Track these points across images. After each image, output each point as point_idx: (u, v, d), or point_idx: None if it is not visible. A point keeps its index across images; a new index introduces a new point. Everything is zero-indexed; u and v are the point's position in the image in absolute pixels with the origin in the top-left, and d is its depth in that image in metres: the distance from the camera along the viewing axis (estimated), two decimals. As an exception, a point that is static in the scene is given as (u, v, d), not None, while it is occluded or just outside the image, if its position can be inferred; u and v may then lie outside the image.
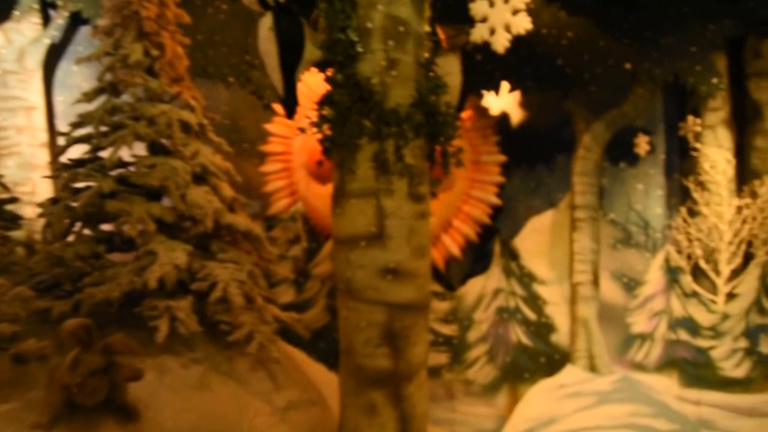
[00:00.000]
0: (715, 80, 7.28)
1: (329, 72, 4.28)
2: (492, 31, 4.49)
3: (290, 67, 4.22)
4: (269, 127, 7.47)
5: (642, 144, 7.44)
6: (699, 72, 7.25)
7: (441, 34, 4.73)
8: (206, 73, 6.92)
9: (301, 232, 7.54)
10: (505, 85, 7.31)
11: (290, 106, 4.35)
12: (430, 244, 4.73)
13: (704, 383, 7.11)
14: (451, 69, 4.82)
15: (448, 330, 7.69)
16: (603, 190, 7.77)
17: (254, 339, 4.72)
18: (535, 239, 7.91)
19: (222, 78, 7.10)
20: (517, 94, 7.67)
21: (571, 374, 7.37)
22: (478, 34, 4.51)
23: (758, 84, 7.62)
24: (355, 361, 4.48)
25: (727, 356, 7.10)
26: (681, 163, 7.65)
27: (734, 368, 7.08)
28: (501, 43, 4.51)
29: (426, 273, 4.63)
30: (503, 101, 7.79)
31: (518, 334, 7.67)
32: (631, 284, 7.46)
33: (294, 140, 7.46)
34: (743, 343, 7.06)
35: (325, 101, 4.29)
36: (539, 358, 7.61)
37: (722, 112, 7.53)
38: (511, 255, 7.87)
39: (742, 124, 7.72)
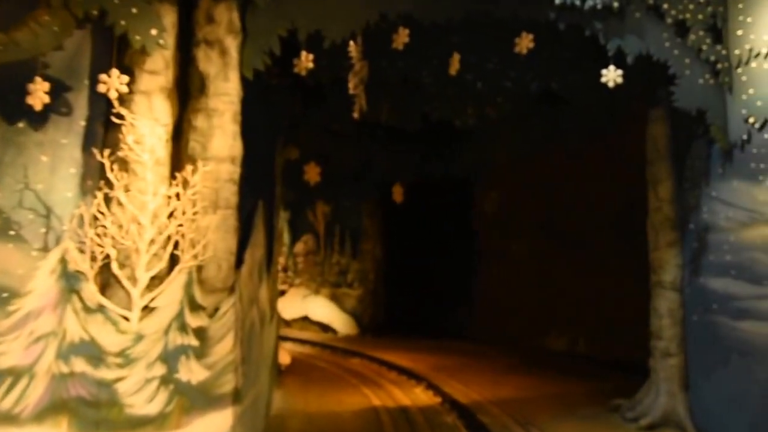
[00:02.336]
0: (154, 32, 5.95)
1: None
2: None
3: None
4: None
5: (38, 93, 5.38)
6: (135, 15, 5.82)
7: None
8: None
9: None
10: None
11: None
12: None
13: (106, 427, 5.58)
14: None
15: None
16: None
17: None
18: None
19: None
20: None
21: None
22: None
23: (207, 54, 6.57)
24: None
25: (138, 389, 5.64)
26: (105, 133, 6.09)
27: (146, 403, 5.70)
28: None
29: None
30: None
31: None
32: (2, 296, 5.30)
33: None
34: (159, 371, 5.77)
35: None
36: None
37: (162, 78, 6.16)
38: None
39: (185, 98, 6.67)
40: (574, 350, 14.80)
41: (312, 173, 12.09)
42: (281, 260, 23.44)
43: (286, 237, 24.48)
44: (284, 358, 11.58)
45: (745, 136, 7.18)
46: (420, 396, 10.66)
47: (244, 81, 6.78)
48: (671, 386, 8.14)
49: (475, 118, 10.93)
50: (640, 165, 9.51)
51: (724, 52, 7.30)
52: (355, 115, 8.25)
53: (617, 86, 9.38)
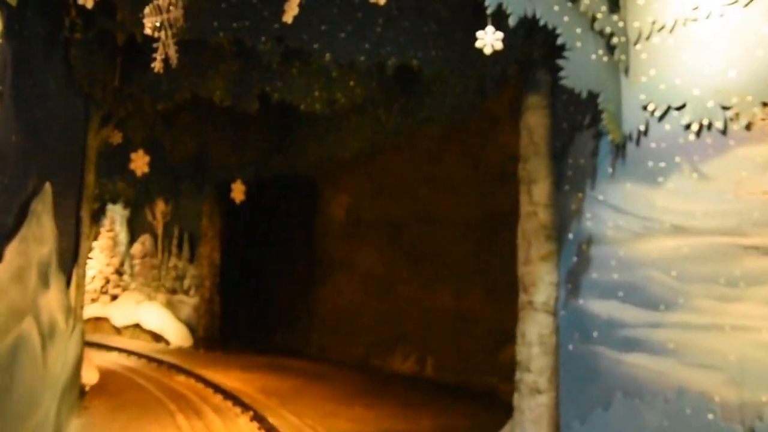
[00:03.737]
0: None
1: None
2: None
3: None
4: None
5: None
6: None
7: None
8: None
9: None
10: None
11: None
12: None
13: None
14: None
15: None
16: None
17: None
18: None
19: None
20: None
21: None
22: None
23: None
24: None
25: None
26: None
27: None
28: None
29: None
30: None
31: None
32: None
33: None
34: None
35: None
36: None
37: None
38: None
39: None
40: (422, 373, 13.49)
41: (139, 162, 10.25)
42: (113, 261, 21.05)
43: (123, 236, 22.33)
44: (90, 377, 9.89)
45: (642, 127, 5.99)
46: (242, 429, 9.13)
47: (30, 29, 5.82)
48: (539, 430, 6.86)
49: (322, 103, 9.23)
50: (507, 163, 8.35)
51: (621, 23, 6.15)
52: (156, 66, 6.27)
53: (490, 66, 8.03)
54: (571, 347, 6.67)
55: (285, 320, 18.34)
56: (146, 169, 9.93)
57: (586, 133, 6.84)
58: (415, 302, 14.11)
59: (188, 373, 12.65)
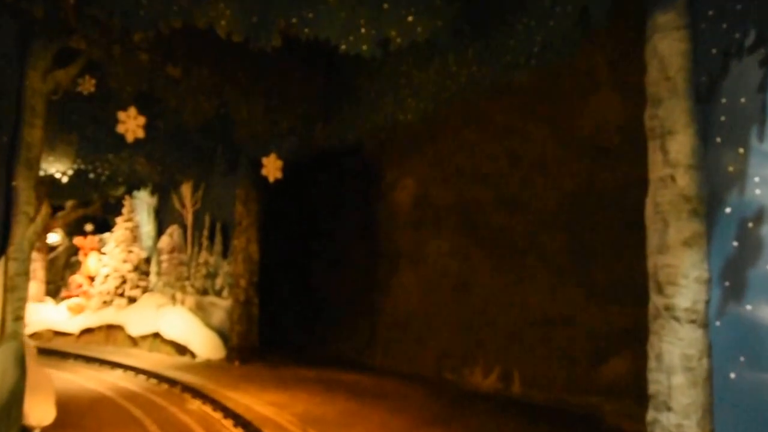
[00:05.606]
0: None
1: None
2: None
3: None
4: None
5: None
6: None
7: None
8: None
9: None
10: None
11: None
12: None
13: None
14: None
15: None
16: None
17: None
18: None
19: None
20: None
21: None
22: None
23: None
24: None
25: None
26: None
27: None
28: None
29: None
30: None
31: None
32: None
33: None
34: None
35: None
36: None
37: None
38: None
39: None
40: (507, 391, 11.56)
41: (130, 124, 7.83)
42: (131, 258, 19.32)
43: (150, 228, 20.46)
44: (40, 415, 7.30)
45: None
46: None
47: None
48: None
49: (370, 43, 7.31)
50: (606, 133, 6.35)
51: None
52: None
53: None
54: (732, 375, 4.71)
55: (340, 326, 16.45)
56: (140, 134, 7.78)
57: (749, 61, 4.86)
58: (497, 304, 12.19)
59: (205, 398, 10.29)
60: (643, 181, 5.37)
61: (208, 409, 9.57)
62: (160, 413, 9.20)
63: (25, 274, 7.26)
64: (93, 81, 8.05)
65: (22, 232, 7.05)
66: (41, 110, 7.18)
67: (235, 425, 8.60)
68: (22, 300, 7.21)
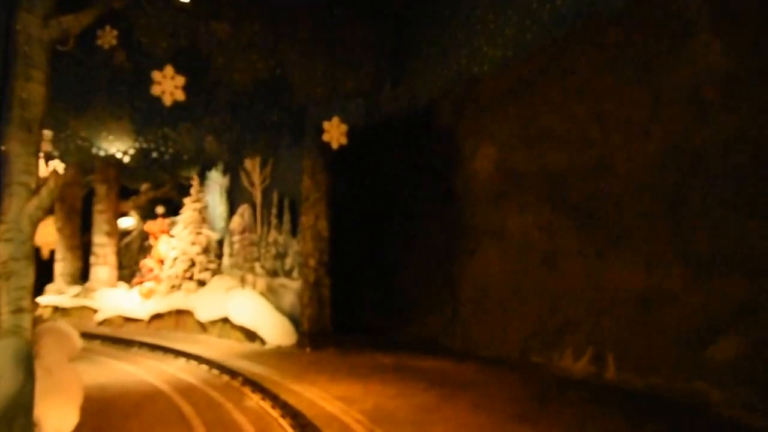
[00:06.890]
0: None
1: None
2: None
3: None
4: None
5: None
6: None
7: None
8: None
9: None
10: None
11: None
12: None
13: None
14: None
15: None
16: None
17: None
18: None
19: None
20: None
21: None
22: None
23: None
24: None
25: None
26: None
27: None
28: None
29: None
30: None
31: None
32: None
33: None
34: None
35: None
36: None
37: None
38: None
39: None
40: (601, 376, 10.71)
41: (167, 85, 7.06)
42: (200, 240, 19.41)
43: (222, 209, 20.59)
44: (58, 421, 6.37)
45: None
46: None
47: None
48: None
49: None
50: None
51: None
52: None
53: None
54: None
55: (419, 307, 15.68)
56: (179, 96, 7.04)
57: None
58: (588, 280, 11.27)
59: (265, 393, 9.60)
60: (748, 138, 4.50)
61: (266, 405, 8.82)
62: (213, 412, 8.56)
63: (25, 258, 6.27)
64: (114, 32, 7.30)
65: (18, 208, 6.13)
66: (41, 61, 6.24)
67: (294, 426, 7.79)
68: (24, 289, 6.30)
